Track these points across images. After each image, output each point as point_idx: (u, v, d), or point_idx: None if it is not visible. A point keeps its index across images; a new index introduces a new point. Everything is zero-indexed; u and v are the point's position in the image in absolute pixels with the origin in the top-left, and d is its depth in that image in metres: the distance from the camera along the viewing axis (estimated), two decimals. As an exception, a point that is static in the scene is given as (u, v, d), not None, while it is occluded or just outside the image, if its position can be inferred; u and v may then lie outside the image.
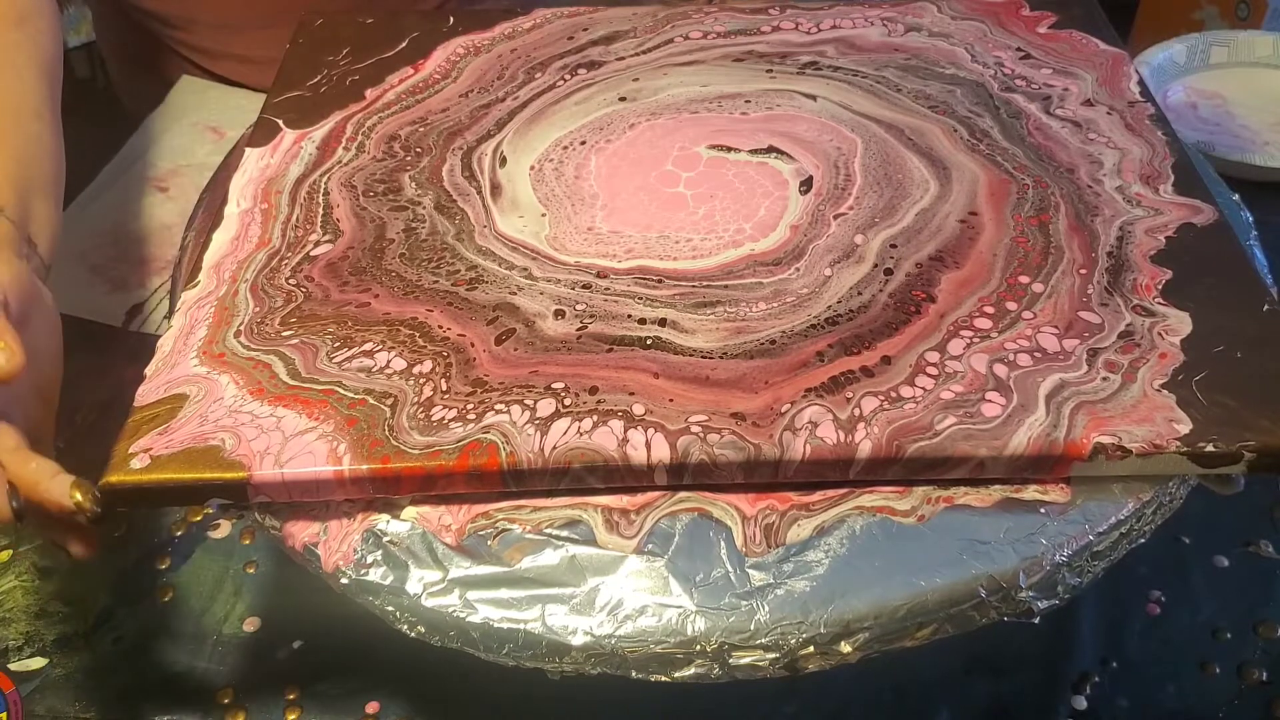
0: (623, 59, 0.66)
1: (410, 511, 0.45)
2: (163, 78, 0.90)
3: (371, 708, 0.54)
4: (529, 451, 0.44)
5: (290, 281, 0.52)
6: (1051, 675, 0.55)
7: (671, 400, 0.45)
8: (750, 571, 0.42)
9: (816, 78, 0.64)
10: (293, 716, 0.53)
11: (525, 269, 0.52)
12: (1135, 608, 0.57)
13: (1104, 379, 0.45)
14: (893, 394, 0.45)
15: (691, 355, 0.47)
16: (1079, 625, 0.57)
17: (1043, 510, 0.44)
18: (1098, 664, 0.55)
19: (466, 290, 0.51)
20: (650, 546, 0.43)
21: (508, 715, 0.53)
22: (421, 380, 0.47)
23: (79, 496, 0.43)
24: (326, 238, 0.54)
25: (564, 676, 0.43)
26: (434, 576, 0.43)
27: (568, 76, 0.65)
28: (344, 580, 0.44)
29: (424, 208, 0.56)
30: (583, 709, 0.52)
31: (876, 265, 0.52)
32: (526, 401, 0.45)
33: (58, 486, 0.43)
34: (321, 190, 0.57)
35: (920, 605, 0.42)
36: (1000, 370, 0.46)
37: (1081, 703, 0.54)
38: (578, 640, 0.41)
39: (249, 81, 0.87)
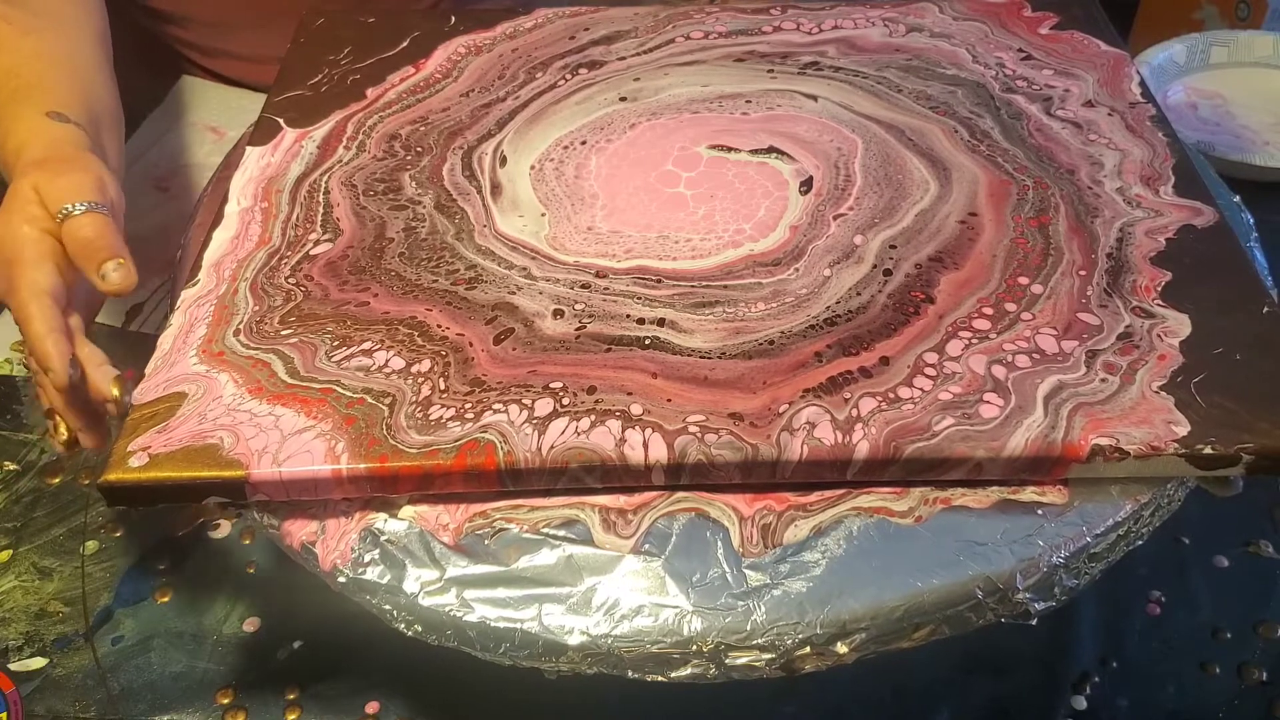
0: (624, 59, 0.66)
1: (408, 510, 0.45)
2: (163, 77, 0.90)
3: (371, 708, 0.54)
4: (526, 451, 0.44)
5: (290, 280, 0.52)
6: (1051, 675, 0.55)
7: (669, 400, 0.45)
8: (747, 572, 0.42)
9: (817, 78, 0.64)
10: (293, 716, 0.54)
11: (525, 268, 0.52)
12: (1135, 608, 0.57)
13: (1102, 380, 0.45)
14: (891, 395, 0.45)
15: (690, 355, 0.47)
16: (1079, 626, 0.57)
17: (1040, 512, 0.44)
18: (1098, 664, 0.55)
19: (465, 290, 0.51)
20: (647, 546, 0.43)
21: (506, 715, 0.54)
22: (420, 379, 0.47)
23: (116, 391, 0.46)
24: (326, 237, 0.54)
25: (561, 676, 0.43)
26: (431, 575, 0.43)
27: (569, 76, 0.65)
28: (341, 579, 0.44)
29: (424, 207, 0.56)
30: (579, 709, 0.52)
31: (876, 266, 0.52)
32: (524, 401, 0.45)
33: (102, 375, 0.47)
34: (322, 189, 0.57)
35: (917, 606, 0.42)
36: (999, 371, 0.46)
37: (1081, 703, 0.54)
38: (574, 640, 0.41)
39: (249, 80, 0.87)
